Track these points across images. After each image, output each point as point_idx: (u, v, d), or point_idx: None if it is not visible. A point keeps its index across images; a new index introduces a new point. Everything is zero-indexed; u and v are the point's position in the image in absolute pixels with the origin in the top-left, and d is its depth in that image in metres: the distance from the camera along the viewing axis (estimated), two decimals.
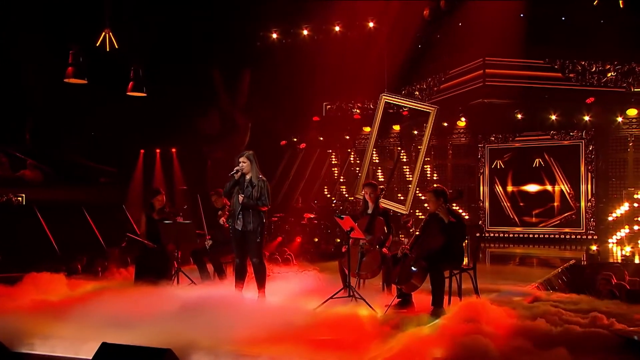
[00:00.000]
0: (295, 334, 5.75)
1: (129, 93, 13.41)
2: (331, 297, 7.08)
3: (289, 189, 17.56)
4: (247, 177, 7.40)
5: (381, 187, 8.23)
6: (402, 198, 16.17)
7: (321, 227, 15.29)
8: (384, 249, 7.69)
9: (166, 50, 15.39)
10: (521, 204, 16.49)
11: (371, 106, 17.50)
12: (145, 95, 13.54)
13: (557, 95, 14.58)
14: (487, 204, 16.96)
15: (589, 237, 15.68)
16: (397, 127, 17.52)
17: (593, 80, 14.51)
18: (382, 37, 15.34)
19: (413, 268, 6.72)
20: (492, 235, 16.73)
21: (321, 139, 17.98)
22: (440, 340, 5.41)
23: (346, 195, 17.54)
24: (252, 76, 17.72)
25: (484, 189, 16.99)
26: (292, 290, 7.89)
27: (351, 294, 7.08)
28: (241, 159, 7.38)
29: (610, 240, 15.29)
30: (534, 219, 16.39)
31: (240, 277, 7.46)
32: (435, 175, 17.34)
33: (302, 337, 5.64)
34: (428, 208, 7.15)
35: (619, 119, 14.87)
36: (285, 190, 17.45)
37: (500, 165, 16.61)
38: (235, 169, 7.35)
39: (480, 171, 16.99)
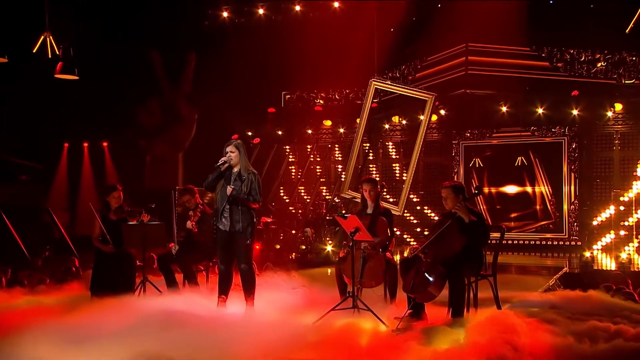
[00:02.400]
0: (295, 352, 5.62)
1: (57, 75, 12.78)
2: (333, 309, 6.86)
3: None
4: (235, 169, 7.13)
5: (382, 183, 8.04)
6: (389, 198, 16.09)
7: (280, 233, 15.06)
8: (388, 253, 7.52)
9: (98, 27, 14.90)
10: (498, 206, 16.68)
11: (336, 96, 17.38)
12: (77, 78, 12.95)
13: (544, 86, 14.78)
14: None
15: (572, 243, 15.96)
16: None
17: (582, 71, 14.81)
18: (349, 18, 15.24)
19: (430, 278, 6.55)
20: None
21: (280, 133, 17.68)
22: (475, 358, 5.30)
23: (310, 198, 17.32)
24: (198, 60, 17.36)
25: None
26: (282, 300, 7.64)
27: (355, 304, 6.88)
28: (229, 148, 7.10)
29: (595, 247, 15.57)
30: (512, 223, 16.61)
31: (224, 287, 7.17)
32: (404, 174, 17.33)
33: (303, 355, 5.52)
34: (445, 206, 7.02)
35: (609, 114, 15.21)
36: None
37: (479, 163, 16.75)
38: (221, 159, 7.09)
39: (455, 170, 17.09)
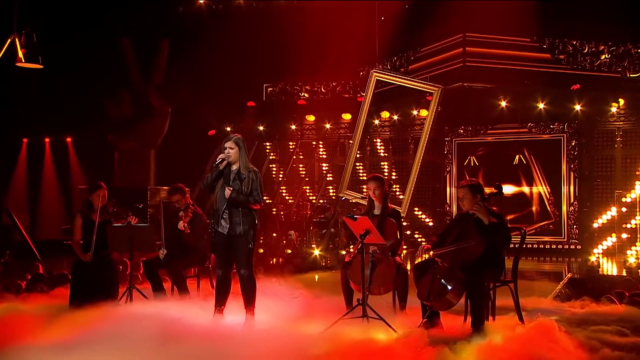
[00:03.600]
0: None
1: (19, 64, 12.52)
2: (342, 317, 6.78)
3: None
4: (234, 167, 7.01)
5: (390, 181, 7.96)
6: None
7: (261, 236, 14.94)
8: (397, 258, 7.45)
9: (63, 12, 14.67)
10: (494, 208, 16.70)
11: (322, 89, 17.29)
12: (42, 67, 12.70)
13: (544, 79, 14.86)
14: (454, 208, 17.08)
15: (572, 246, 16.06)
16: (347, 116, 17.35)
17: (585, 63, 14.92)
18: (338, 5, 15.16)
19: (448, 284, 6.49)
20: None
21: (261, 128, 17.54)
22: None
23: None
24: (171, 49, 17.18)
25: (451, 190, 17.10)
26: (283, 309, 7.56)
27: (365, 313, 6.80)
28: (228, 144, 6.96)
29: (595, 251, 15.68)
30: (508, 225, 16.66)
31: (222, 294, 7.03)
32: (394, 173, 17.32)
33: None
34: (462, 206, 6.97)
35: (614, 109, 15.34)
36: None
37: (474, 162, 16.79)
38: (219, 157, 6.94)
39: (447, 169, 17.11)
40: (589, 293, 10.28)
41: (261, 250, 14.39)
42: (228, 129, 17.18)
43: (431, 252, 6.82)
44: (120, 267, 8.37)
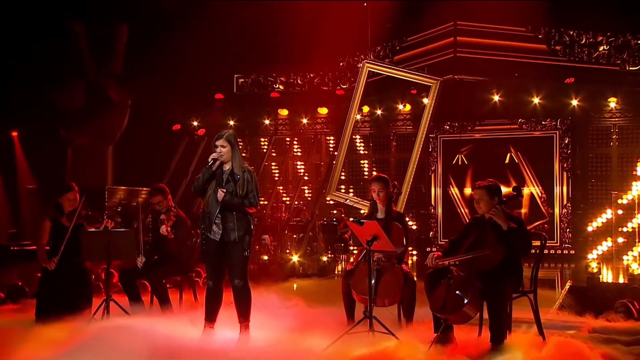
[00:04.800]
0: None
1: None
2: (348, 331, 6.67)
3: (188, 190, 16.75)
4: (226, 167, 6.84)
5: (394, 182, 7.86)
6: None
7: None
8: (404, 266, 7.35)
9: None
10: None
11: (299, 81, 17.18)
12: None
13: (538, 72, 14.93)
14: (439, 211, 17.11)
15: (565, 251, 16.18)
16: (323, 111, 17.26)
17: (583, 55, 15.03)
18: None
19: (465, 295, 6.38)
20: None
21: (231, 123, 17.34)
22: None
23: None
24: (131, 34, 16.89)
25: (436, 191, 17.12)
26: (278, 322, 7.42)
27: (372, 327, 6.68)
28: (219, 142, 6.81)
29: (590, 256, 15.79)
30: None
31: (213, 307, 6.88)
32: (374, 172, 17.24)
33: None
34: (478, 209, 6.87)
35: (612, 104, 15.46)
36: (182, 192, 16.61)
37: (463, 160, 16.81)
38: (211, 156, 6.77)
39: (432, 168, 17.11)
40: (592, 302, 10.34)
41: None
42: (195, 123, 17.00)
43: (447, 262, 6.71)
44: (93, 277, 8.09)
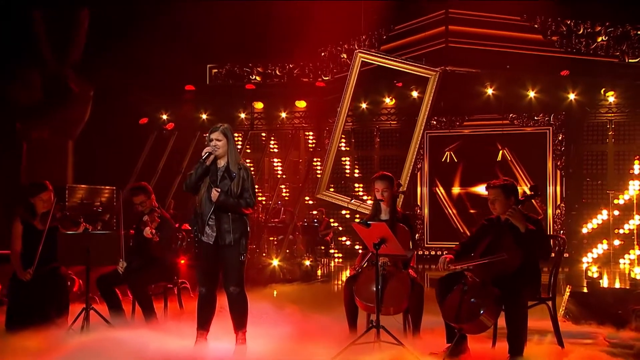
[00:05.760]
0: None
1: None
2: (354, 342, 6.55)
3: (157, 188, 16.54)
4: (222, 163, 6.66)
5: (398, 181, 7.77)
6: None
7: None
8: (411, 271, 7.26)
9: None
10: (471, 210, 16.79)
11: (277, 72, 17.08)
12: None
13: (533, 63, 14.99)
14: (426, 211, 17.11)
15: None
16: (302, 104, 17.16)
17: (580, 46, 15.11)
18: None
19: (481, 303, 6.30)
20: (432, 253, 16.79)
21: (203, 117, 17.17)
22: None
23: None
24: (93, 20, 16.61)
25: (422, 191, 17.13)
26: (275, 331, 7.31)
27: (379, 337, 6.58)
28: (214, 135, 6.66)
29: (584, 259, 15.88)
30: None
31: (206, 317, 6.72)
32: (356, 170, 17.21)
33: None
34: (493, 210, 6.80)
35: (611, 99, 15.55)
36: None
37: (452, 157, 16.82)
38: (205, 150, 6.60)
39: (418, 166, 17.09)
40: (595, 309, 10.38)
41: None
42: (164, 116, 16.81)
43: (459, 267, 6.63)
44: (69, 284, 7.89)
